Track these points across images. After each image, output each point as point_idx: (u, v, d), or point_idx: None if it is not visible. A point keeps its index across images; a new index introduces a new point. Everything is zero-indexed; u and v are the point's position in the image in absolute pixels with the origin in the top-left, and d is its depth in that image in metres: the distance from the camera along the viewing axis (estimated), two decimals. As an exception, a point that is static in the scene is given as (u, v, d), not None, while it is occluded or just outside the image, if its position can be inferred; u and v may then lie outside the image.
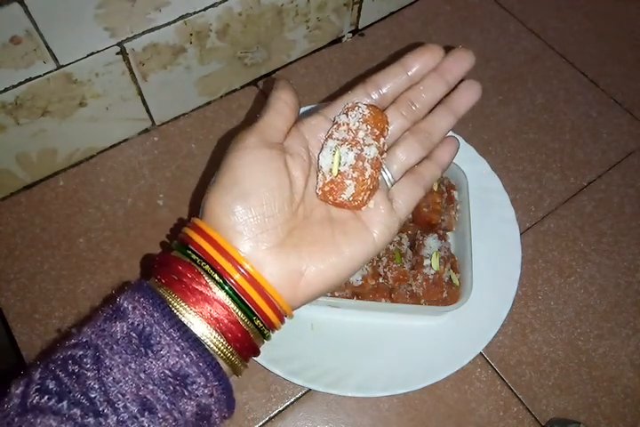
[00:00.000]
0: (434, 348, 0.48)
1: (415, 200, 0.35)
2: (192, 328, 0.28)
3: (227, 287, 0.29)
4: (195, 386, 0.28)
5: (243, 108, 0.62)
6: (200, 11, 0.50)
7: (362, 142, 0.31)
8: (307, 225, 0.32)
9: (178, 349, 0.27)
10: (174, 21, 0.50)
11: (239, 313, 0.29)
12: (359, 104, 0.32)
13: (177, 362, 0.27)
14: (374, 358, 0.48)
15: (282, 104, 0.33)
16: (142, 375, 0.27)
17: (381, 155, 0.32)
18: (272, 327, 0.32)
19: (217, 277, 0.29)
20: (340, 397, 0.47)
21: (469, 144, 0.57)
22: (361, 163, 0.31)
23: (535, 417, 0.48)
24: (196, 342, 0.28)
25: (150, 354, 0.27)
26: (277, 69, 0.64)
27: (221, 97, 0.62)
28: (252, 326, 0.30)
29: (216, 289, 0.29)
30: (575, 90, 0.65)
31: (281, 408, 0.48)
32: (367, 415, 0.48)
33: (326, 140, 0.32)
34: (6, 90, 0.46)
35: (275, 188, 0.30)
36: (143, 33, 0.49)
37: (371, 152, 0.31)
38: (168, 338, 0.27)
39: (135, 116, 0.58)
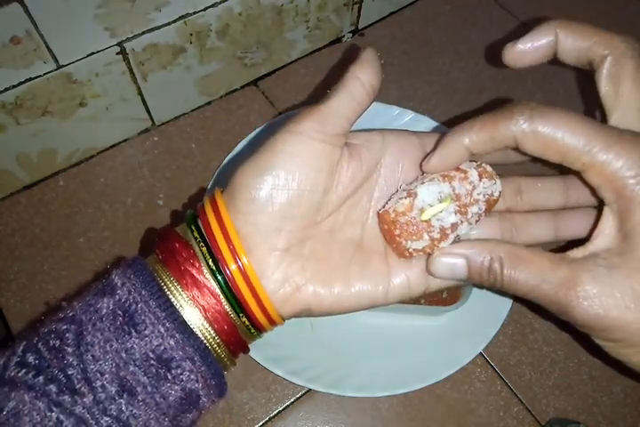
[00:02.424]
0: (434, 348, 0.48)
1: (447, 285, 0.29)
2: (181, 311, 0.26)
3: (219, 276, 0.27)
4: (179, 370, 0.26)
5: (242, 108, 0.62)
6: (200, 11, 0.50)
7: (468, 216, 0.27)
8: (327, 240, 0.29)
9: (162, 329, 0.26)
10: (174, 21, 0.50)
11: (228, 306, 0.27)
12: (497, 181, 0.27)
13: (161, 344, 0.25)
14: (374, 358, 0.48)
15: (357, 85, 0.28)
16: (123, 355, 0.25)
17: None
18: (260, 328, 0.29)
19: (211, 263, 0.27)
20: (340, 397, 0.47)
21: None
22: (450, 231, 0.27)
23: (535, 417, 0.48)
24: (182, 325, 0.26)
25: (134, 333, 0.25)
26: (277, 69, 0.64)
27: (221, 97, 0.62)
28: (240, 323, 0.28)
29: (209, 276, 0.27)
30: (575, 90, 0.65)
31: (281, 408, 0.48)
32: (367, 415, 0.48)
33: (443, 179, 0.27)
34: (6, 90, 0.46)
35: (307, 190, 0.27)
36: (143, 33, 0.49)
37: (463, 230, 0.27)
38: (153, 317, 0.26)
39: (135, 116, 0.58)
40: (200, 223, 0.28)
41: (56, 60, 0.46)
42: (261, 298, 0.27)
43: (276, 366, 0.46)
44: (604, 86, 0.26)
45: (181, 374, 0.26)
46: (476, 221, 0.28)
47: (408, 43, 0.67)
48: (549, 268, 0.24)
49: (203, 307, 0.27)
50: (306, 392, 0.48)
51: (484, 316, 0.49)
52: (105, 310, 0.26)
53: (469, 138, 0.26)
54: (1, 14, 0.40)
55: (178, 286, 0.27)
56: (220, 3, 0.51)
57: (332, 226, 0.29)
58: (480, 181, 0.27)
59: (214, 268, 0.27)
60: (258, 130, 0.57)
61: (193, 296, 0.27)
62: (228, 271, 0.27)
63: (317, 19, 0.61)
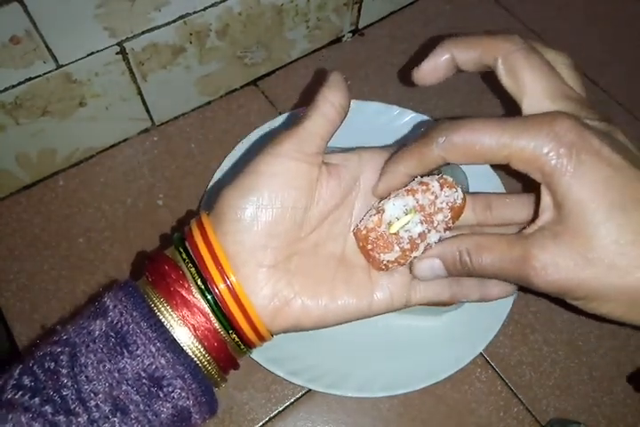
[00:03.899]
0: (434, 348, 0.48)
1: (435, 300, 0.32)
2: (172, 331, 0.28)
3: (209, 296, 0.28)
4: (170, 388, 0.27)
5: (242, 107, 0.62)
6: (200, 10, 0.50)
7: (434, 224, 0.29)
8: (311, 255, 0.30)
9: (153, 349, 0.27)
10: (174, 21, 0.50)
11: (218, 323, 0.29)
12: (459, 189, 0.29)
13: (152, 363, 0.26)
14: (374, 358, 0.48)
15: (329, 106, 0.30)
16: (116, 375, 0.26)
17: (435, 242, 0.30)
18: (249, 344, 0.31)
19: (199, 283, 0.28)
20: (340, 397, 0.47)
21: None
22: (419, 240, 0.29)
23: (535, 417, 0.48)
24: (173, 344, 0.27)
25: (126, 354, 0.26)
26: (277, 69, 0.64)
27: (221, 97, 0.62)
28: (230, 339, 0.29)
29: (198, 295, 0.28)
30: (575, 90, 0.65)
31: (281, 409, 0.48)
32: (367, 416, 0.48)
33: (407, 193, 0.29)
34: (6, 90, 0.46)
35: (290, 207, 0.28)
36: (143, 33, 0.49)
37: (432, 238, 0.29)
38: (144, 338, 0.27)
39: (135, 116, 0.58)
40: (188, 245, 0.29)
41: (56, 60, 0.46)
42: (250, 315, 0.29)
43: (277, 366, 0.46)
44: (506, 82, 0.28)
45: (172, 391, 0.27)
46: (445, 229, 0.30)
47: (408, 43, 0.67)
48: (507, 249, 0.27)
49: (192, 326, 0.28)
50: (306, 392, 0.48)
51: (484, 316, 0.49)
52: (97, 332, 0.27)
53: (404, 166, 0.29)
54: (1, 14, 0.40)
55: (168, 307, 0.28)
56: (219, 2, 0.51)
57: (315, 241, 0.30)
58: (442, 190, 0.29)
59: (203, 287, 0.28)
60: (258, 130, 0.57)
61: (183, 316, 0.28)
62: (216, 290, 0.28)
63: (317, 18, 0.61)
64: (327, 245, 0.31)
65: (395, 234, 0.29)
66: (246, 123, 0.60)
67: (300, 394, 0.48)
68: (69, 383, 0.26)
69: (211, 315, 0.28)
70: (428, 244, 0.29)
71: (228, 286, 0.28)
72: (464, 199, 0.30)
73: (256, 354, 0.46)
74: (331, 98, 0.30)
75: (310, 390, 0.48)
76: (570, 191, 0.24)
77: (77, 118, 0.53)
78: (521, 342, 0.51)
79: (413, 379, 0.46)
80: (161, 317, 0.28)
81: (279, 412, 0.48)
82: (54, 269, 0.53)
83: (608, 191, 0.24)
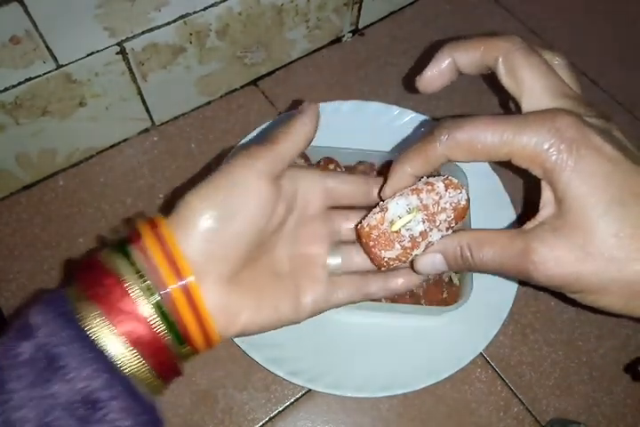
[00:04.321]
0: (434, 348, 0.48)
1: (350, 301, 0.34)
2: (108, 347, 0.26)
3: (155, 298, 0.27)
4: (107, 410, 0.25)
5: (242, 107, 0.62)
6: (200, 10, 0.50)
7: (436, 223, 0.30)
8: (259, 267, 0.32)
9: (87, 371, 0.25)
10: (174, 21, 0.50)
11: (163, 331, 0.27)
12: (463, 191, 0.30)
13: (88, 385, 0.25)
14: (374, 358, 0.48)
15: (301, 136, 0.31)
16: (49, 400, 0.24)
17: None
18: (196, 350, 0.30)
19: (147, 285, 0.27)
20: (340, 397, 0.47)
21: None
22: (420, 239, 0.30)
23: (535, 417, 0.48)
24: (108, 364, 0.26)
25: (58, 377, 0.25)
26: (277, 69, 0.64)
27: (221, 97, 0.62)
28: (176, 347, 0.28)
29: (140, 301, 0.27)
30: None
31: (281, 409, 0.48)
32: (367, 416, 0.48)
33: (412, 192, 0.30)
34: (6, 90, 0.46)
35: (253, 223, 0.29)
36: (143, 33, 0.49)
37: (434, 237, 0.30)
38: (77, 360, 0.25)
39: (135, 116, 0.58)
40: (134, 247, 0.28)
41: (56, 60, 0.46)
42: (204, 319, 0.28)
43: (277, 366, 0.46)
44: (506, 81, 0.29)
45: (109, 413, 0.25)
46: (448, 229, 0.30)
47: (408, 43, 0.67)
48: (508, 243, 0.27)
49: (131, 336, 0.26)
50: (306, 392, 0.48)
51: (484, 316, 0.49)
52: (25, 355, 0.25)
53: (409, 166, 0.30)
54: (1, 14, 0.40)
55: (102, 320, 0.26)
56: (219, 2, 0.51)
57: (262, 255, 0.32)
58: (446, 191, 0.30)
59: (151, 289, 0.27)
60: (258, 129, 0.57)
61: (123, 328, 0.26)
62: (169, 290, 0.27)
63: (317, 18, 0.61)
64: (270, 259, 0.32)
65: (396, 232, 0.29)
66: (246, 123, 0.60)
67: (300, 394, 0.48)
68: None
69: (155, 324, 0.27)
70: (430, 242, 0.30)
71: (183, 286, 0.27)
72: (468, 200, 0.30)
73: (256, 354, 0.46)
74: (304, 128, 0.31)
75: (310, 390, 0.48)
76: (570, 186, 0.25)
77: (77, 118, 0.53)
78: (521, 342, 0.51)
79: (413, 379, 0.46)
80: (94, 331, 0.26)
81: (279, 412, 0.48)
82: (54, 269, 0.53)
83: (607, 186, 0.25)
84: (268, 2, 0.54)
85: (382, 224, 0.30)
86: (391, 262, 0.31)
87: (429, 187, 0.30)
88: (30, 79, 0.46)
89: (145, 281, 0.27)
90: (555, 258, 0.26)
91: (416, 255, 0.31)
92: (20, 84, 0.46)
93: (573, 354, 0.51)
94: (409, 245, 0.30)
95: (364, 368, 0.47)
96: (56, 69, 0.47)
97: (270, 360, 0.46)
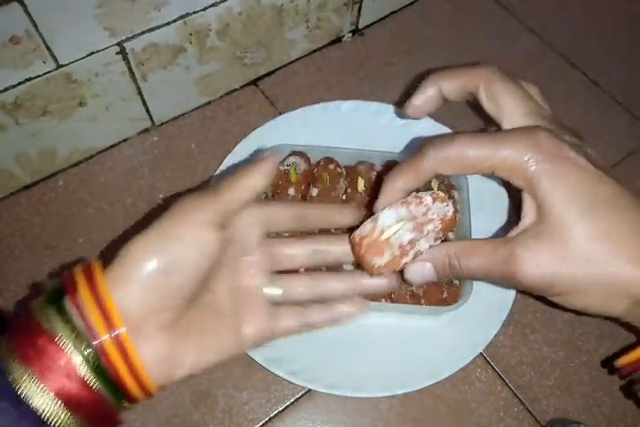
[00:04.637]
0: (434, 348, 0.48)
1: (295, 331, 0.35)
2: (37, 405, 0.26)
3: (87, 354, 0.27)
4: None
5: (242, 107, 0.62)
6: (200, 10, 0.50)
7: (424, 233, 0.31)
8: (201, 309, 0.31)
9: None
10: (174, 21, 0.50)
11: (96, 385, 0.27)
12: (450, 203, 0.32)
13: None
14: (374, 358, 0.48)
15: (248, 189, 0.31)
16: None
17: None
18: (134, 400, 0.29)
19: (79, 339, 0.27)
20: (340, 397, 0.47)
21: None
22: (408, 248, 0.32)
23: (535, 417, 0.48)
24: (37, 423, 0.26)
25: None
26: (277, 69, 0.64)
27: (221, 97, 0.62)
28: (112, 399, 0.28)
29: (74, 357, 0.26)
30: (575, 90, 0.65)
31: (281, 409, 0.48)
32: (367, 416, 0.48)
33: (401, 205, 0.32)
34: (6, 90, 0.46)
35: (196, 271, 0.29)
36: (143, 33, 0.49)
37: (423, 246, 0.32)
38: (8, 419, 0.25)
39: (135, 116, 0.58)
40: (69, 296, 0.28)
41: (55, 60, 0.46)
42: (139, 372, 0.28)
43: (276, 366, 0.46)
44: (488, 105, 0.32)
45: None
46: (436, 239, 0.32)
47: (408, 43, 0.67)
48: (492, 251, 0.29)
49: (63, 394, 0.26)
50: (306, 392, 0.48)
51: (484, 316, 0.49)
52: None
53: (401, 181, 0.31)
54: (1, 14, 0.40)
55: (31, 379, 0.26)
56: (219, 2, 0.51)
57: (203, 293, 0.31)
58: (434, 204, 0.32)
59: (84, 342, 0.27)
60: (258, 130, 0.57)
61: (53, 383, 0.26)
62: (100, 343, 0.27)
63: (317, 18, 0.61)
64: (211, 295, 0.32)
65: (386, 240, 0.31)
66: (246, 123, 0.60)
67: (300, 394, 0.48)
68: None
69: (86, 376, 0.27)
70: (419, 250, 0.32)
71: (115, 337, 0.27)
72: (455, 213, 0.32)
73: (256, 354, 0.46)
74: (251, 181, 0.31)
75: (310, 390, 0.48)
76: (547, 193, 0.27)
77: (77, 118, 0.53)
78: (521, 342, 0.51)
79: (413, 379, 0.46)
80: (24, 390, 0.26)
81: (279, 412, 0.48)
82: (54, 269, 0.53)
83: (581, 193, 0.27)
84: (268, 2, 0.54)
85: (373, 233, 0.31)
86: (382, 270, 0.32)
87: (418, 200, 0.32)
88: (30, 79, 0.46)
89: (77, 335, 0.27)
90: (536, 262, 0.27)
91: (405, 263, 0.32)
92: (19, 84, 0.46)
93: (573, 354, 0.51)
94: (398, 253, 0.31)
95: (363, 368, 0.47)
96: (56, 69, 0.47)
97: (270, 360, 0.46)
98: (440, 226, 0.32)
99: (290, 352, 0.47)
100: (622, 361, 0.30)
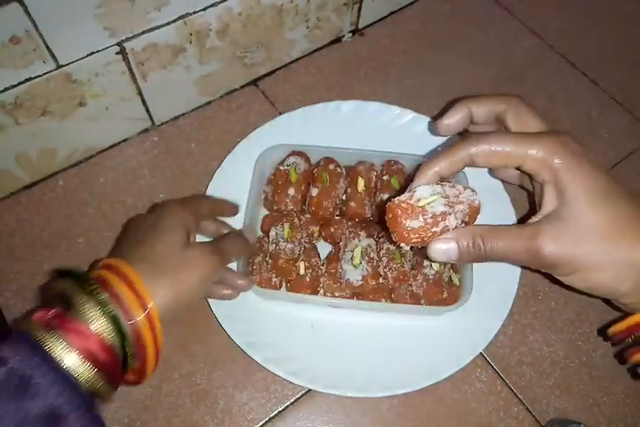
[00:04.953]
0: (434, 348, 0.48)
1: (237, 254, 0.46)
2: (67, 362, 0.32)
3: (108, 318, 0.33)
4: (67, 422, 0.30)
5: (242, 107, 0.62)
6: (200, 10, 0.50)
7: (455, 210, 0.34)
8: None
9: (55, 389, 0.30)
10: (174, 21, 0.50)
11: (117, 346, 0.34)
12: (477, 194, 0.35)
13: (54, 401, 0.30)
14: (374, 358, 0.48)
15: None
16: (22, 413, 0.29)
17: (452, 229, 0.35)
18: (144, 373, 0.36)
19: (102, 307, 0.34)
20: (340, 397, 0.47)
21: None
22: (440, 219, 0.34)
23: (535, 417, 0.48)
24: (70, 382, 0.31)
25: (30, 394, 0.30)
26: (277, 69, 0.64)
27: (221, 97, 0.62)
28: (123, 352, 0.34)
29: (96, 321, 0.33)
30: (575, 90, 0.65)
31: (281, 409, 0.48)
32: (367, 416, 0.48)
33: (436, 184, 0.35)
34: (6, 90, 0.46)
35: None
36: (143, 33, 0.49)
37: (452, 222, 0.34)
38: (46, 380, 0.30)
39: (135, 116, 0.58)
40: (100, 281, 0.35)
41: (56, 60, 0.46)
42: (159, 340, 0.36)
43: (276, 366, 0.46)
44: (514, 126, 0.37)
45: (69, 425, 0.31)
46: (463, 222, 0.34)
47: (408, 43, 0.67)
48: (517, 232, 0.33)
49: (94, 358, 0.33)
50: (306, 392, 0.48)
51: (484, 316, 0.49)
52: (0, 377, 0.30)
53: (438, 166, 0.36)
54: (1, 14, 0.40)
55: (61, 343, 0.32)
56: (219, 2, 0.51)
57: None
58: (465, 190, 0.35)
59: (109, 310, 0.34)
60: (258, 130, 0.57)
61: (81, 347, 0.32)
62: (138, 318, 0.35)
63: (317, 18, 0.61)
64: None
65: (421, 207, 0.34)
66: (246, 123, 0.60)
67: (299, 394, 0.48)
68: None
69: (109, 341, 0.33)
70: (447, 226, 0.34)
71: (147, 310, 0.35)
72: (480, 203, 0.35)
73: (256, 354, 0.46)
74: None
75: (310, 390, 0.48)
76: (572, 183, 0.32)
77: (77, 118, 0.53)
78: (521, 342, 0.51)
79: (413, 379, 0.46)
80: (57, 353, 0.32)
81: (279, 412, 0.48)
82: (54, 269, 0.53)
83: (597, 185, 0.32)
84: (268, 2, 0.54)
85: (410, 200, 0.34)
86: (412, 235, 0.34)
87: (451, 184, 0.35)
88: (30, 79, 0.46)
89: (102, 305, 0.34)
90: (560, 240, 0.31)
91: (434, 233, 0.34)
92: (20, 84, 0.46)
93: (573, 354, 0.51)
94: (430, 221, 0.33)
95: (363, 368, 0.47)
96: (56, 69, 0.47)
97: (270, 360, 0.46)
98: (468, 210, 0.34)
99: (290, 352, 0.48)
100: (614, 329, 0.33)
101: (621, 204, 0.32)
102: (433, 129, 0.41)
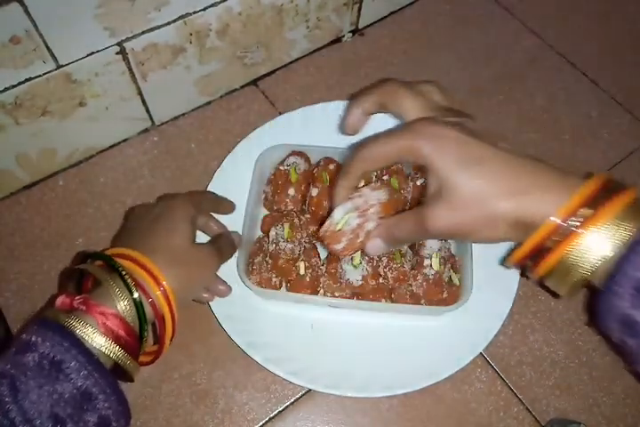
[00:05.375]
0: (434, 348, 0.48)
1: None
2: (97, 343, 0.34)
3: (136, 297, 0.36)
4: (97, 401, 0.33)
5: (242, 107, 0.62)
6: (200, 10, 0.50)
7: (368, 216, 0.40)
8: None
9: (85, 372, 0.33)
10: (174, 21, 0.50)
11: (136, 326, 0.37)
12: (384, 190, 0.41)
13: (84, 383, 0.33)
14: (374, 358, 0.48)
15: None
16: (55, 396, 0.32)
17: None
18: (162, 345, 0.39)
19: (132, 291, 0.36)
20: (340, 397, 0.47)
21: (469, 144, 0.57)
22: (359, 230, 0.40)
23: (535, 417, 0.48)
24: (99, 365, 0.34)
25: (62, 377, 0.32)
26: (277, 69, 0.64)
27: (221, 97, 0.62)
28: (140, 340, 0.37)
29: (121, 304, 0.36)
30: (575, 90, 0.65)
31: (281, 409, 0.48)
32: (367, 416, 0.48)
33: (347, 200, 0.41)
34: (6, 90, 0.46)
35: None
36: (143, 33, 0.49)
37: (370, 226, 0.40)
38: (77, 363, 0.33)
39: (135, 116, 0.58)
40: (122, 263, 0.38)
41: (56, 60, 0.46)
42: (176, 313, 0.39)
43: (276, 366, 0.46)
44: (394, 112, 0.41)
45: (98, 403, 0.33)
46: (380, 218, 0.40)
47: (408, 43, 0.67)
48: (412, 217, 0.37)
49: (116, 334, 0.35)
50: (306, 393, 0.48)
51: (484, 316, 0.49)
52: (32, 363, 0.32)
53: (342, 185, 0.41)
54: (1, 14, 0.40)
55: (87, 326, 0.34)
56: (219, 2, 0.51)
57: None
58: (372, 192, 0.41)
59: (136, 295, 0.37)
60: (258, 130, 0.57)
61: (106, 327, 0.35)
62: (153, 295, 0.38)
63: (317, 18, 0.61)
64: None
65: (340, 231, 0.41)
66: (246, 123, 0.60)
67: (299, 394, 0.48)
68: (15, 408, 0.31)
69: (129, 320, 0.36)
70: (368, 230, 0.40)
71: (162, 291, 0.38)
72: (390, 197, 0.41)
73: (256, 354, 0.46)
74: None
75: (310, 390, 0.48)
76: (436, 163, 0.35)
77: (77, 118, 0.53)
78: (521, 342, 0.51)
79: (413, 379, 0.46)
80: (84, 336, 0.34)
81: (279, 412, 0.48)
82: (54, 269, 0.53)
83: (457, 158, 0.35)
84: (268, 2, 0.54)
85: (330, 228, 0.41)
86: (345, 251, 0.41)
87: (358, 193, 0.41)
88: (30, 79, 0.46)
89: (123, 289, 0.36)
90: (439, 216, 0.35)
91: (361, 242, 0.40)
92: (20, 84, 0.46)
93: (573, 354, 0.51)
94: (352, 236, 0.40)
95: (363, 368, 0.47)
96: (56, 69, 0.47)
97: (270, 360, 0.46)
98: (380, 209, 0.40)
99: (290, 352, 0.48)
100: (512, 259, 0.36)
101: (482, 168, 0.34)
102: (342, 130, 0.45)
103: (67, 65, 0.47)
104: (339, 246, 0.41)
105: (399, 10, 0.69)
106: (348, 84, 0.64)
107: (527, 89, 0.64)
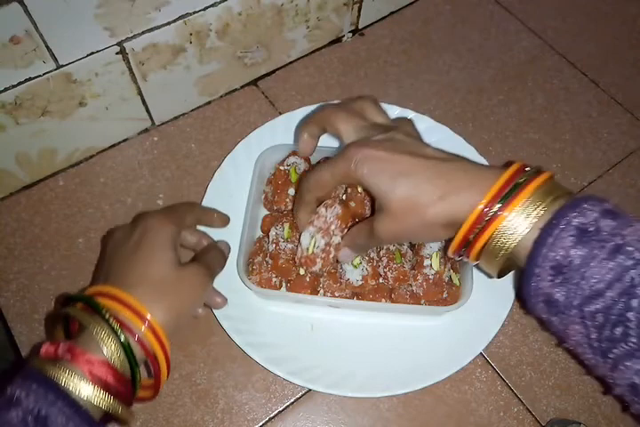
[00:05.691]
0: (434, 348, 0.48)
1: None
2: (84, 394, 0.33)
3: (122, 340, 0.35)
4: None
5: (242, 107, 0.62)
6: (200, 10, 0.50)
7: (331, 233, 0.44)
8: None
9: (72, 425, 0.31)
10: (174, 21, 0.50)
11: (127, 372, 0.35)
12: (336, 204, 0.45)
13: None
14: (374, 358, 0.48)
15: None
16: None
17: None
18: (159, 382, 0.38)
19: (119, 334, 0.35)
20: (340, 397, 0.47)
21: (470, 144, 0.57)
22: (328, 247, 0.45)
23: (535, 417, 0.48)
24: (86, 416, 0.32)
25: None
26: (277, 69, 0.64)
27: (221, 97, 0.62)
28: (134, 377, 0.36)
29: (108, 348, 0.34)
30: (575, 90, 0.65)
31: (281, 409, 0.48)
32: (367, 416, 0.48)
33: (309, 225, 0.45)
34: (6, 90, 0.46)
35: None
36: (143, 33, 0.49)
37: (336, 240, 0.45)
38: (62, 417, 0.31)
39: (135, 116, 0.58)
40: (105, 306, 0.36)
41: (56, 60, 0.46)
42: (168, 350, 0.38)
43: (276, 366, 0.46)
44: (334, 135, 0.44)
45: None
46: (342, 230, 0.45)
47: (408, 43, 0.67)
48: (365, 228, 0.41)
49: (105, 382, 0.34)
50: (306, 393, 0.48)
51: (484, 316, 0.49)
52: (16, 419, 0.31)
53: (300, 213, 0.46)
54: (1, 14, 0.40)
55: (73, 375, 0.33)
56: (219, 2, 0.51)
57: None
58: (327, 211, 0.45)
59: (122, 337, 0.35)
60: (258, 130, 0.57)
61: (92, 375, 0.33)
62: (139, 333, 0.36)
63: (317, 18, 0.61)
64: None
65: (312, 254, 0.45)
66: (246, 123, 0.60)
67: (300, 394, 0.48)
68: None
69: (117, 366, 0.35)
70: (337, 244, 0.45)
71: (147, 327, 0.36)
72: (343, 209, 0.45)
73: (256, 354, 0.46)
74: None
75: (310, 390, 0.48)
76: (371, 183, 0.38)
77: (77, 118, 0.53)
78: (521, 342, 0.51)
79: (413, 379, 0.46)
80: (70, 386, 0.32)
81: (279, 412, 0.48)
82: (54, 269, 0.53)
83: (386, 175, 0.38)
84: (268, 2, 0.54)
85: (303, 253, 0.45)
86: (324, 268, 0.46)
87: (316, 215, 0.45)
88: (30, 79, 0.46)
89: (109, 332, 0.35)
90: (383, 227, 0.39)
91: (334, 256, 0.45)
92: (19, 84, 0.46)
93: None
94: (324, 255, 0.45)
95: (364, 368, 0.47)
96: (56, 69, 0.47)
97: (270, 360, 0.46)
98: (338, 223, 0.44)
99: (290, 352, 0.48)
100: (450, 250, 0.38)
101: (408, 180, 0.37)
102: (299, 152, 0.49)
103: (67, 65, 0.47)
104: (316, 267, 0.45)
105: (399, 10, 0.69)
106: (348, 84, 0.64)
107: (527, 89, 0.64)
